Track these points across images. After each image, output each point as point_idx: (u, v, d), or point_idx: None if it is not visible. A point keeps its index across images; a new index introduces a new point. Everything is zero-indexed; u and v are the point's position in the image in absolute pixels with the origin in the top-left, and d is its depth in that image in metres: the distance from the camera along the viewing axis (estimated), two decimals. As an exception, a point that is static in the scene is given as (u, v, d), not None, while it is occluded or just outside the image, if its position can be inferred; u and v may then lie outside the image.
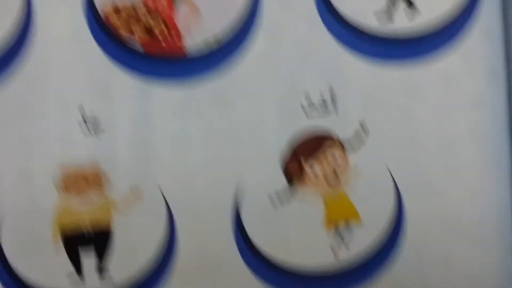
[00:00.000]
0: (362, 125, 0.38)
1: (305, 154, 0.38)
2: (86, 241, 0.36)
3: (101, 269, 0.36)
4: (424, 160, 0.38)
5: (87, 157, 0.37)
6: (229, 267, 0.38)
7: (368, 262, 0.38)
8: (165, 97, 0.38)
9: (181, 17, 0.38)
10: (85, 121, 0.37)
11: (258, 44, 0.38)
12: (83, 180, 0.36)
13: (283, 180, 0.38)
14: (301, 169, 0.38)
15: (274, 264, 0.38)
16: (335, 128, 0.38)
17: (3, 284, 0.36)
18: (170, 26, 0.38)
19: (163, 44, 0.38)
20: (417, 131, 0.38)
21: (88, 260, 0.37)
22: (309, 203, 0.38)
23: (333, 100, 0.38)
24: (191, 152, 0.38)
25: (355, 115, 0.38)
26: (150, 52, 0.38)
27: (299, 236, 0.38)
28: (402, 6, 0.39)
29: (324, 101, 0.38)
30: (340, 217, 0.38)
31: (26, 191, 0.36)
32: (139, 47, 0.38)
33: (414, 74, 0.39)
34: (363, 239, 0.38)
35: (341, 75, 0.39)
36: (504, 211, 0.38)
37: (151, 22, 0.37)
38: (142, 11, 0.38)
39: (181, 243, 0.37)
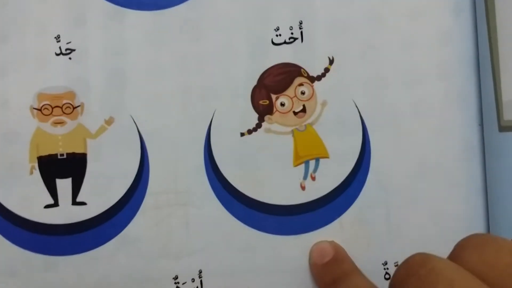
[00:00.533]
0: (329, 56, 0.39)
1: (275, 90, 0.39)
2: (61, 166, 0.38)
3: (75, 196, 0.38)
4: (389, 96, 0.39)
5: (62, 84, 0.38)
6: (199, 198, 0.39)
7: (334, 197, 0.39)
8: (138, 23, 0.38)
9: None
10: (60, 47, 0.38)
11: None
12: (58, 106, 0.38)
13: (253, 114, 0.39)
14: (270, 104, 0.39)
15: (243, 196, 0.39)
16: (303, 60, 0.39)
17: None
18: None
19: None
20: (384, 66, 0.39)
21: (63, 186, 0.38)
22: (278, 138, 0.39)
23: (302, 31, 0.39)
24: (163, 81, 0.39)
25: (322, 47, 0.39)
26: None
27: (268, 169, 0.39)
28: None
29: (293, 33, 0.39)
30: (309, 152, 0.39)
31: (3, 117, 0.38)
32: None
33: (381, 6, 0.39)
34: (330, 174, 0.39)
35: (310, 6, 0.39)
36: (471, 148, 0.39)
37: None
38: None
39: (153, 173, 0.39)
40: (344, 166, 0.39)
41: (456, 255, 0.21)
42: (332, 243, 0.38)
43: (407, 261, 0.21)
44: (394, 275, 0.21)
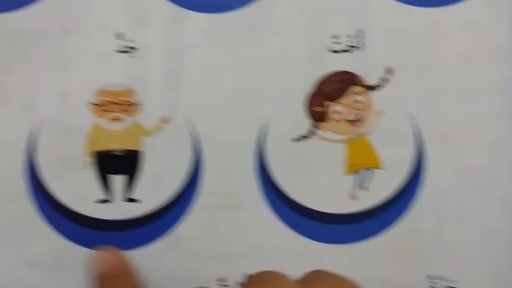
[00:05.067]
0: (386, 66, 0.39)
1: (330, 97, 0.39)
2: (116, 162, 0.38)
3: (128, 193, 0.38)
4: (446, 108, 0.39)
5: (122, 81, 0.38)
6: (249, 202, 0.39)
7: (386, 207, 0.39)
8: (198, 25, 0.39)
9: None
10: (121, 45, 0.38)
11: None
12: (116, 103, 0.38)
13: (307, 120, 0.39)
14: (325, 111, 0.39)
15: (292, 202, 0.39)
16: (360, 68, 0.39)
17: (37, 201, 0.38)
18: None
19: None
20: (441, 78, 0.39)
21: (116, 182, 0.38)
22: (330, 145, 0.39)
23: (360, 39, 0.39)
24: (220, 83, 0.39)
25: (380, 57, 0.39)
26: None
27: (319, 176, 0.39)
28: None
29: (352, 41, 0.39)
30: (361, 161, 0.39)
31: (62, 111, 0.38)
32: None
33: (441, 18, 0.39)
34: (382, 184, 0.39)
35: (370, 15, 0.39)
36: (524, 165, 0.39)
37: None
38: None
39: (205, 174, 0.39)
40: (397, 177, 0.39)
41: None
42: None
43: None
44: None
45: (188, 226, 0.38)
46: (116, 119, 0.38)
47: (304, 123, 0.39)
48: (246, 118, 0.39)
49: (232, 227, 0.39)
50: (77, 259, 0.37)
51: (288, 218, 0.39)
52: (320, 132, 0.39)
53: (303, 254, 0.39)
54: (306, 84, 0.39)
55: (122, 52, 0.38)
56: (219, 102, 0.39)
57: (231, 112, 0.39)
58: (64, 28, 0.38)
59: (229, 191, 0.39)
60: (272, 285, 0.23)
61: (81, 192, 0.38)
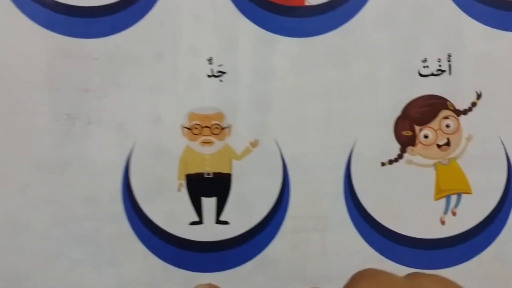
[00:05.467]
0: (476, 91, 0.39)
1: (419, 121, 0.39)
2: (207, 184, 0.39)
3: (218, 215, 0.39)
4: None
5: (212, 105, 0.39)
6: (337, 225, 0.39)
7: (475, 233, 0.39)
8: (286, 49, 0.39)
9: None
10: (212, 69, 0.39)
11: (377, 1, 0.39)
12: (207, 127, 0.39)
13: (395, 144, 0.39)
14: (413, 135, 0.39)
15: (380, 226, 0.39)
16: (450, 93, 0.39)
17: (132, 222, 0.39)
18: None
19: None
20: (534, 103, 0.39)
21: (207, 204, 0.39)
22: (419, 170, 0.39)
23: (450, 64, 0.39)
24: (307, 107, 0.39)
25: (470, 81, 0.39)
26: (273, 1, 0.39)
27: (407, 201, 0.39)
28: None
29: (441, 65, 0.39)
30: (451, 187, 0.39)
31: (155, 134, 0.39)
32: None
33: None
34: (472, 210, 0.39)
35: (459, 39, 0.39)
36: None
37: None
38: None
39: (293, 197, 0.39)
40: (487, 202, 0.39)
41: (351, 285, 0.23)
42: None
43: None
44: None
45: (276, 248, 0.39)
46: (207, 142, 0.39)
47: (393, 147, 0.39)
48: (333, 142, 0.39)
49: (320, 250, 0.39)
50: (171, 279, 0.38)
51: (375, 242, 0.39)
52: (408, 156, 0.39)
53: (390, 278, 0.39)
54: (394, 108, 0.39)
55: (213, 76, 0.39)
56: (306, 125, 0.39)
57: (319, 135, 0.39)
58: (157, 52, 0.39)
59: (316, 214, 0.39)
60: (381, 279, 0.23)
61: (174, 213, 0.39)
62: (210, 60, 0.39)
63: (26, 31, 0.37)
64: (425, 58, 0.39)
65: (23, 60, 0.37)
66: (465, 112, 0.39)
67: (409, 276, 0.26)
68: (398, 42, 0.39)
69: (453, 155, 0.39)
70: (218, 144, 0.39)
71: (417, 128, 0.39)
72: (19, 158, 0.38)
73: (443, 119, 0.39)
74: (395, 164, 0.39)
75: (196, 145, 0.39)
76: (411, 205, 0.39)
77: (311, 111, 0.39)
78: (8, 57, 0.37)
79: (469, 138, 0.39)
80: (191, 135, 0.39)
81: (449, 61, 0.39)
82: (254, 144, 0.39)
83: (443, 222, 0.39)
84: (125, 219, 0.38)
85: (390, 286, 0.22)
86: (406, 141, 0.39)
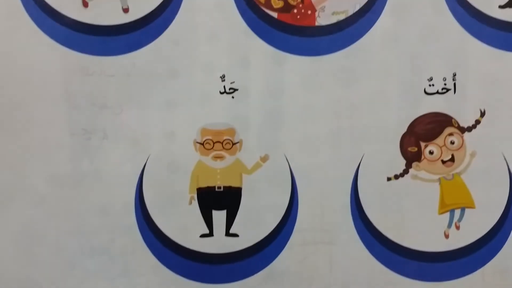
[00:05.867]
0: (480, 109, 0.40)
1: (424, 138, 0.40)
2: (218, 198, 0.40)
3: (228, 227, 0.40)
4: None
5: (224, 121, 0.40)
6: (343, 238, 0.40)
7: (478, 247, 0.40)
8: (296, 67, 0.40)
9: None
10: (224, 86, 0.40)
11: (385, 22, 0.40)
12: (219, 142, 0.40)
13: (401, 160, 0.40)
14: (419, 151, 0.40)
15: (385, 239, 0.40)
16: (455, 110, 0.40)
17: (145, 234, 0.40)
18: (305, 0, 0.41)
19: (297, 15, 0.40)
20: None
21: (218, 217, 0.40)
22: (424, 185, 0.40)
23: (455, 83, 0.40)
24: (316, 123, 0.40)
25: (474, 99, 0.40)
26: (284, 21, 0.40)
27: (412, 215, 0.40)
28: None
29: (446, 84, 0.40)
30: (455, 201, 0.40)
31: (169, 149, 0.40)
32: (274, 15, 0.40)
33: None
34: (475, 224, 0.40)
35: (464, 58, 0.40)
36: None
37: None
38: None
39: (301, 210, 0.40)
40: (490, 217, 0.40)
41: None
42: None
43: None
44: None
45: (285, 260, 0.40)
46: (218, 157, 0.40)
47: (399, 162, 0.40)
48: (341, 157, 0.40)
49: (326, 262, 0.40)
50: (182, 290, 0.39)
51: (381, 255, 0.40)
52: (414, 172, 0.40)
53: (395, 290, 0.40)
54: (400, 125, 0.40)
55: (225, 93, 0.40)
56: (315, 141, 0.40)
57: (327, 150, 0.40)
58: (172, 69, 0.40)
59: (324, 227, 0.40)
60: None
61: (186, 226, 0.40)
62: (223, 78, 0.40)
63: (45, 49, 0.39)
64: (431, 77, 0.40)
65: (42, 76, 0.39)
66: (469, 129, 0.40)
67: None
68: (405, 61, 0.40)
69: (457, 170, 0.40)
70: (229, 159, 0.40)
71: (422, 144, 0.40)
72: (36, 171, 0.39)
73: (448, 136, 0.40)
74: (400, 179, 0.40)
75: (208, 160, 0.40)
76: (416, 219, 0.40)
77: (320, 127, 0.40)
78: (28, 74, 0.39)
79: (473, 154, 0.40)
80: (203, 150, 0.40)
81: (454, 80, 0.40)
82: (264, 159, 0.40)
83: (447, 236, 0.40)
84: (137, 231, 0.39)
85: None
86: (411, 157, 0.40)
